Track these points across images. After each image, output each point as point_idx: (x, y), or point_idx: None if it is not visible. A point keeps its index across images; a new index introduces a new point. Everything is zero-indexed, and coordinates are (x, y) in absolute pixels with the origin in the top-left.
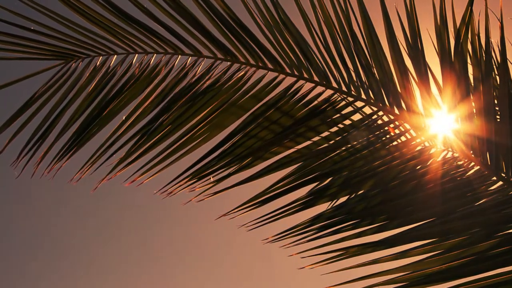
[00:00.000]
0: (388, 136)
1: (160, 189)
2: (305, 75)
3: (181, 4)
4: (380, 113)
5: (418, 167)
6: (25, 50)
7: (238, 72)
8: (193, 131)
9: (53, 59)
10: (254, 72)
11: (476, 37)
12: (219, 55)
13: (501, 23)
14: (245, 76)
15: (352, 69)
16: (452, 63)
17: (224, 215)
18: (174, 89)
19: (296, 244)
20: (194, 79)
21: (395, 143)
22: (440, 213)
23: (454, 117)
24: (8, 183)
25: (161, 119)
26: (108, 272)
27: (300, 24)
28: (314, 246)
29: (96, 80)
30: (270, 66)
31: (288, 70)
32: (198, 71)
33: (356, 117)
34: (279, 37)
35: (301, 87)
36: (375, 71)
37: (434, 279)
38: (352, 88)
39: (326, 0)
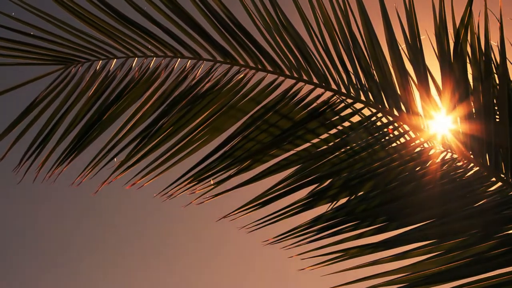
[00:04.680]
0: (387, 137)
1: (161, 192)
2: (305, 77)
3: (180, 7)
4: (380, 114)
5: (418, 168)
6: (25, 56)
7: (238, 75)
8: (193, 134)
9: (53, 64)
10: (254, 74)
11: (476, 38)
12: (219, 58)
13: (501, 23)
14: (245, 79)
15: (351, 71)
16: (452, 63)
17: (225, 217)
18: (174, 92)
19: (297, 246)
20: (193, 82)
21: (394, 144)
22: (439, 214)
23: (453, 118)
24: (10, 188)
25: (161, 122)
26: (109, 274)
27: (300, 26)
28: (314, 248)
29: (96, 84)
30: (269, 68)
31: (287, 72)
32: (198, 74)
33: (356, 119)
34: (278, 39)
35: (300, 89)
36: (375, 73)
37: (434, 280)
38: (352, 90)
39: (325, 2)
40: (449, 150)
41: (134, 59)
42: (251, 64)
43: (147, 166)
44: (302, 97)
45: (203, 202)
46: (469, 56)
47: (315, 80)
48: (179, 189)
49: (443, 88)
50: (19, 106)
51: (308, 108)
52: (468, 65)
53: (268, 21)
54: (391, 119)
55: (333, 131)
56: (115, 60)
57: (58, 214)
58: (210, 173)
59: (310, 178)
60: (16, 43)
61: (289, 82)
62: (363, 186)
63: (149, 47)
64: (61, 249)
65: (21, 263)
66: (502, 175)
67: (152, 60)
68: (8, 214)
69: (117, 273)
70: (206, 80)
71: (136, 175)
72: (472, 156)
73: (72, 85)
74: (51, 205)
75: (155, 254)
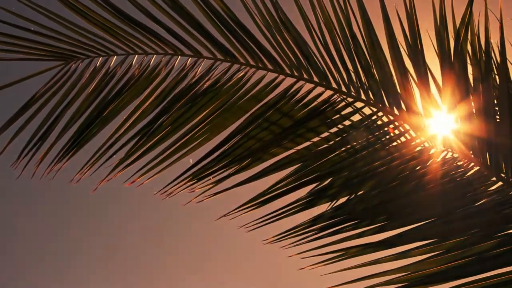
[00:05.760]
0: (387, 136)
1: (160, 190)
2: (305, 76)
3: (180, 5)
4: (380, 113)
5: (418, 167)
6: (25, 51)
7: (238, 73)
8: (193, 132)
9: (53, 60)
10: (254, 73)
11: (476, 38)
12: (219, 56)
13: (501, 23)
14: (245, 77)
15: (352, 69)
16: (452, 63)
17: (224, 215)
18: (174, 90)
19: (296, 245)
20: (194, 80)
21: (394, 143)
22: (440, 213)
23: (453, 118)
24: (8, 184)
25: (161, 120)
26: (107, 272)
27: (300, 25)
28: (314, 247)
29: (96, 81)
30: (270, 66)
31: (287, 71)
32: (198, 72)
33: (356, 117)
34: (278, 37)
35: (301, 87)
36: (375, 72)
37: (434, 279)
38: (352, 89)
39: (326, 1)
40: (449, 150)
41: (134, 56)
42: (252, 63)
43: (146, 164)
44: (302, 96)
45: (202, 200)
46: (469, 56)
47: (315, 79)
48: (179, 187)
49: (444, 87)
50: (19, 101)
51: (308, 107)
52: (469, 65)
53: (269, 19)
54: (391, 118)
55: (334, 130)
56: (115, 57)
57: (56, 211)
58: (210, 171)
59: (310, 177)
60: (17, 39)
61: (289, 80)
62: (364, 185)
63: (150, 44)
64: (57, 246)
65: (15, 259)
66: (503, 175)
67: (152, 57)
68: (4, 209)
69: (114, 271)
70: (206, 78)
71: (136, 172)
72: (472, 155)
73: (72, 81)
74: (49, 202)
75: (154, 252)
